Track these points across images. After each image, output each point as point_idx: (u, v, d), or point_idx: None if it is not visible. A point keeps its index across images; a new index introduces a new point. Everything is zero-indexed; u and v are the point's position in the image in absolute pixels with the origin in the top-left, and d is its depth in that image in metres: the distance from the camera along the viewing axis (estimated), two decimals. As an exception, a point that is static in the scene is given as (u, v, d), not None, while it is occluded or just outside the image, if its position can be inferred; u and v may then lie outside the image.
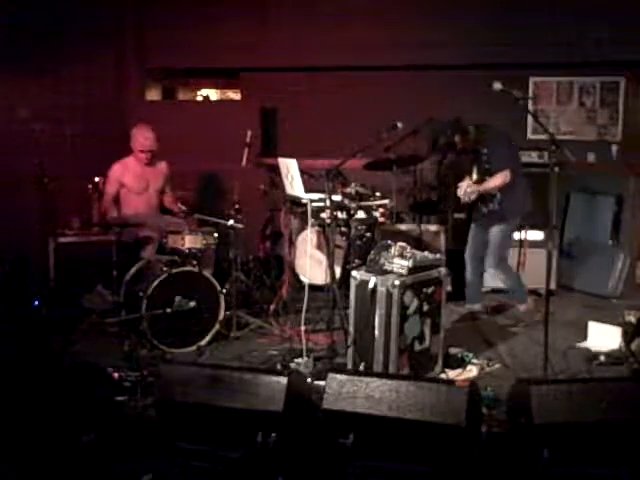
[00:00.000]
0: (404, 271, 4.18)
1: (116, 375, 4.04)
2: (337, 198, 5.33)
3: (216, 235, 5.43)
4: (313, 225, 5.45)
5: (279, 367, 4.44)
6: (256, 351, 4.86)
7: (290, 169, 5.34)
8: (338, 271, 5.61)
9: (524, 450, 3.16)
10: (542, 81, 7.20)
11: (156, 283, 4.82)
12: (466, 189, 5.31)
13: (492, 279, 6.26)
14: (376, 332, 4.15)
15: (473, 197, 5.30)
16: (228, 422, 3.30)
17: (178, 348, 4.85)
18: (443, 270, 4.40)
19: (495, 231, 5.32)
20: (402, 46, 6.97)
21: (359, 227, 5.69)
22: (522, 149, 6.12)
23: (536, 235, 6.21)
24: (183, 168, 6.39)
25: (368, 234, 5.75)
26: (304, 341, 4.63)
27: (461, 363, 4.53)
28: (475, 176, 5.31)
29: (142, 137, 5.78)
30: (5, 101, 6.35)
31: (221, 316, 5.05)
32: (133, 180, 5.85)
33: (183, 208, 5.80)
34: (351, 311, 4.32)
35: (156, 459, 3.37)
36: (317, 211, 5.13)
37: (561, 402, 3.09)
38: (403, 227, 6.25)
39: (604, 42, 6.54)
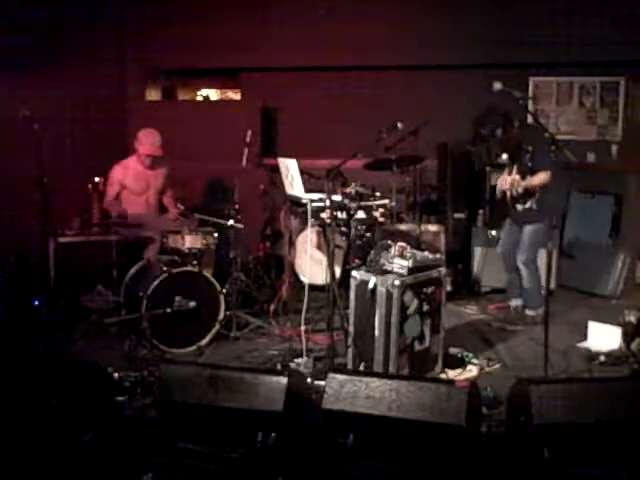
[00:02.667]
0: (404, 271, 4.18)
1: (116, 375, 4.04)
2: (337, 198, 5.33)
3: (216, 235, 5.43)
4: (313, 225, 5.45)
5: (279, 367, 4.44)
6: (256, 351, 4.86)
7: (290, 169, 5.34)
8: (338, 271, 5.61)
9: (524, 450, 3.16)
10: (542, 81, 7.19)
11: (156, 283, 4.82)
12: (512, 182, 5.25)
13: (491, 279, 6.28)
14: (376, 332, 4.15)
15: (520, 190, 5.22)
16: (228, 422, 3.30)
17: (178, 348, 4.85)
18: (443, 270, 4.40)
19: (529, 229, 5.28)
20: (401, 46, 6.97)
21: (359, 227, 5.69)
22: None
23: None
24: (183, 168, 6.39)
25: (368, 234, 5.75)
26: (304, 341, 4.63)
27: (461, 363, 4.53)
28: (514, 173, 5.26)
29: (148, 142, 5.77)
30: (5, 101, 6.35)
31: (221, 316, 5.05)
32: (134, 181, 5.86)
33: (182, 208, 5.80)
34: (351, 311, 4.32)
35: (156, 459, 3.37)
36: (317, 211, 5.13)
37: (561, 402, 3.09)
38: (403, 227, 6.24)
39: (604, 42, 6.54)
